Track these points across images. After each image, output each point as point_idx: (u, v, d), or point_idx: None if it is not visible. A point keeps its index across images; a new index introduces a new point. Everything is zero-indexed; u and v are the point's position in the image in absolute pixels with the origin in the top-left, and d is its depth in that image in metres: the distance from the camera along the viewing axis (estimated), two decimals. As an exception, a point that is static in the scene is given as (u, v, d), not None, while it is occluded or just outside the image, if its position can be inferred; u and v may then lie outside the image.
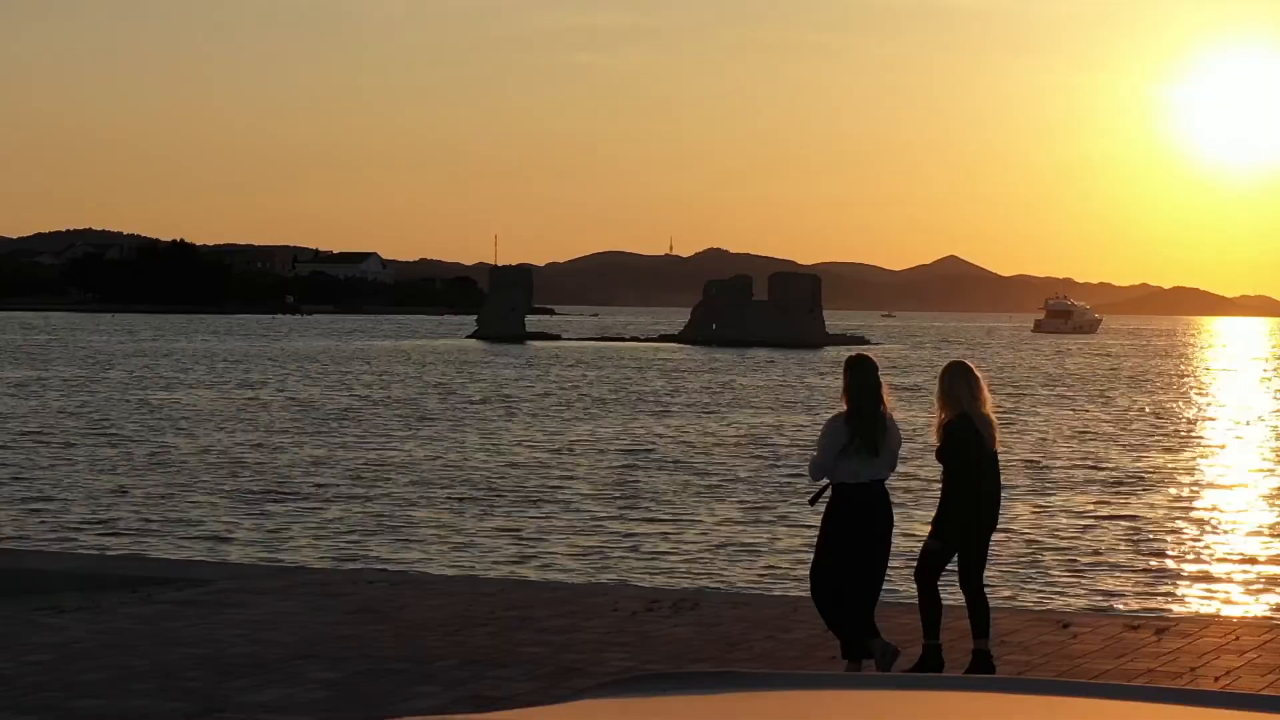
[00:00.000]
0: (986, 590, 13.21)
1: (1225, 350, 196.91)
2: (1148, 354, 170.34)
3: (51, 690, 12.07)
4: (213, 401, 67.19)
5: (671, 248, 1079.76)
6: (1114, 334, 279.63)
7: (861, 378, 12.59)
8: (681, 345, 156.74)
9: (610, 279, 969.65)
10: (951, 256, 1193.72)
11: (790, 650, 13.74)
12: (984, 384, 13.01)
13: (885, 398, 12.63)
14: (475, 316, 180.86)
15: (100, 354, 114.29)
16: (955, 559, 12.96)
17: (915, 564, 13.17)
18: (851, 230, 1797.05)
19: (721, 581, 23.67)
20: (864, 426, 12.40)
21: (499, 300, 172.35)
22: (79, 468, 40.67)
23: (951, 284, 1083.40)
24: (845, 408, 12.59)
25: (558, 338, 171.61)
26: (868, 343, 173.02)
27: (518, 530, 30.65)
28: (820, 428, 13.10)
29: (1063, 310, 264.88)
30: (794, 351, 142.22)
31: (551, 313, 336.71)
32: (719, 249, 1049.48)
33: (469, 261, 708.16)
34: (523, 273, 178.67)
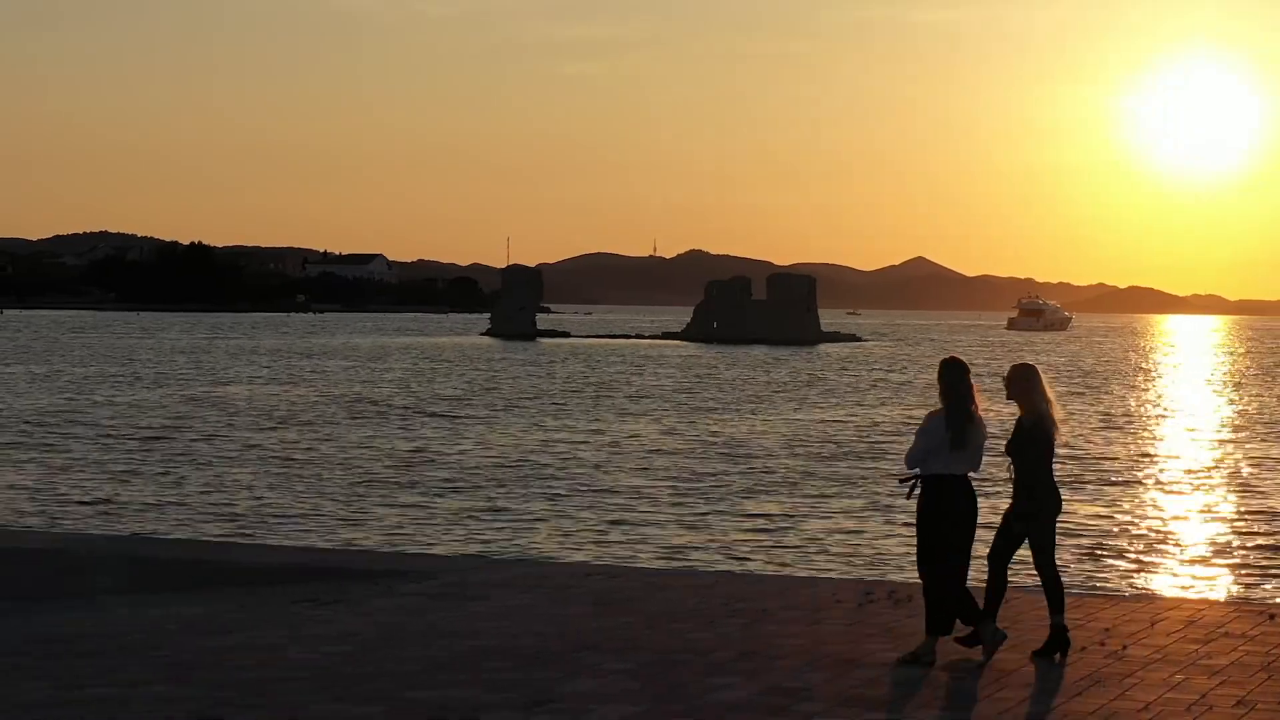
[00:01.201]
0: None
1: (1219, 348, 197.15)
2: (1143, 350, 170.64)
3: (374, 680, 11.92)
4: (304, 396, 67.19)
5: (655, 249, 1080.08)
6: (1083, 331, 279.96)
7: (955, 379, 12.85)
8: (685, 342, 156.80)
9: (598, 279, 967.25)
10: (920, 258, 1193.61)
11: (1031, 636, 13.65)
12: (1046, 381, 13.23)
13: (976, 397, 12.86)
14: (477, 315, 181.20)
15: (156, 351, 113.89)
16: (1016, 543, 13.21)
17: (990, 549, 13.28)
18: (825, 232, 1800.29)
19: (899, 571, 23.44)
20: (955, 424, 12.71)
21: (511, 299, 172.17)
22: (230, 463, 40.42)
23: (920, 284, 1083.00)
24: (941, 405, 12.86)
25: (567, 335, 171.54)
26: (860, 340, 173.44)
27: (667, 520, 30.75)
28: (917, 423, 13.31)
29: (1035, 309, 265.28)
30: (791, 348, 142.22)
31: (549, 310, 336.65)
32: (700, 250, 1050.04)
33: (464, 262, 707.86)
34: (533, 273, 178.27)
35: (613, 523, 30.24)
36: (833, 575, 22.03)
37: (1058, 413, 13.17)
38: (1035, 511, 13.01)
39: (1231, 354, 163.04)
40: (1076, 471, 40.37)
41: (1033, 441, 12.93)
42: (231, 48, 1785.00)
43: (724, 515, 31.65)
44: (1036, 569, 13.18)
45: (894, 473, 36.50)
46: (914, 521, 13.12)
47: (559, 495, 34.51)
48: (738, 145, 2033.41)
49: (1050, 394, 13.14)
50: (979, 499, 13.00)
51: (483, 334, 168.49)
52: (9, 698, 11.42)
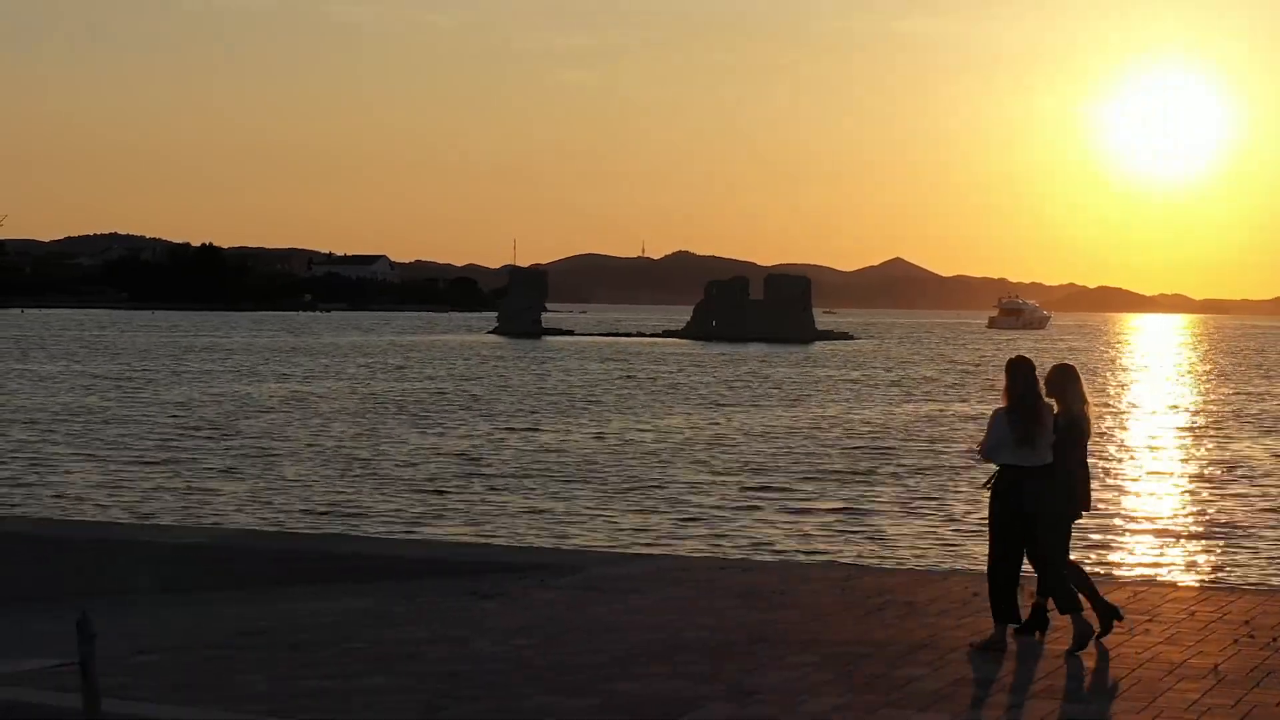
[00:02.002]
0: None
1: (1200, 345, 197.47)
2: (1120, 347, 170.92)
3: (574, 673, 11.83)
4: (357, 393, 67.09)
5: (644, 250, 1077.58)
6: (1059, 330, 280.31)
7: (1021, 377, 12.96)
8: (685, 340, 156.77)
9: (590, 279, 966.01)
10: (897, 259, 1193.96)
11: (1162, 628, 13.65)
12: (1083, 382, 13.46)
13: (1083, 394, 13.05)
14: (476, 313, 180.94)
15: (189, 349, 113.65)
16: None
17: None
18: (807, 234, 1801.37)
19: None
20: (1021, 420, 12.83)
21: (516, 299, 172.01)
22: (322, 459, 40.19)
23: (897, 284, 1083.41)
24: (1005, 403, 12.98)
25: (571, 333, 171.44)
26: (853, 339, 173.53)
27: (754, 511, 30.76)
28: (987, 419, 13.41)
29: (1015, 308, 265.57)
30: (788, 346, 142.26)
31: (544, 309, 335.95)
32: (687, 251, 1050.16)
33: (460, 262, 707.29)
34: (538, 274, 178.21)
35: (697, 516, 30.17)
36: (951, 567, 21.97)
37: (1091, 412, 13.37)
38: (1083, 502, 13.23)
39: (1203, 351, 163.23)
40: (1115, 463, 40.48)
41: (1063, 440, 13.05)
42: (239, 56, 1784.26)
43: (802, 506, 31.71)
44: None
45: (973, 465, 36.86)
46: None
47: (645, 488, 34.49)
48: (724, 150, 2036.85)
49: (1086, 394, 13.33)
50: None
51: (489, 332, 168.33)
52: (233, 689, 11.32)
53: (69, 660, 12.09)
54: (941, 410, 63.40)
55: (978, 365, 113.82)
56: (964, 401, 69.94)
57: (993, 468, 13.14)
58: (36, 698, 10.90)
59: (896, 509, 31.41)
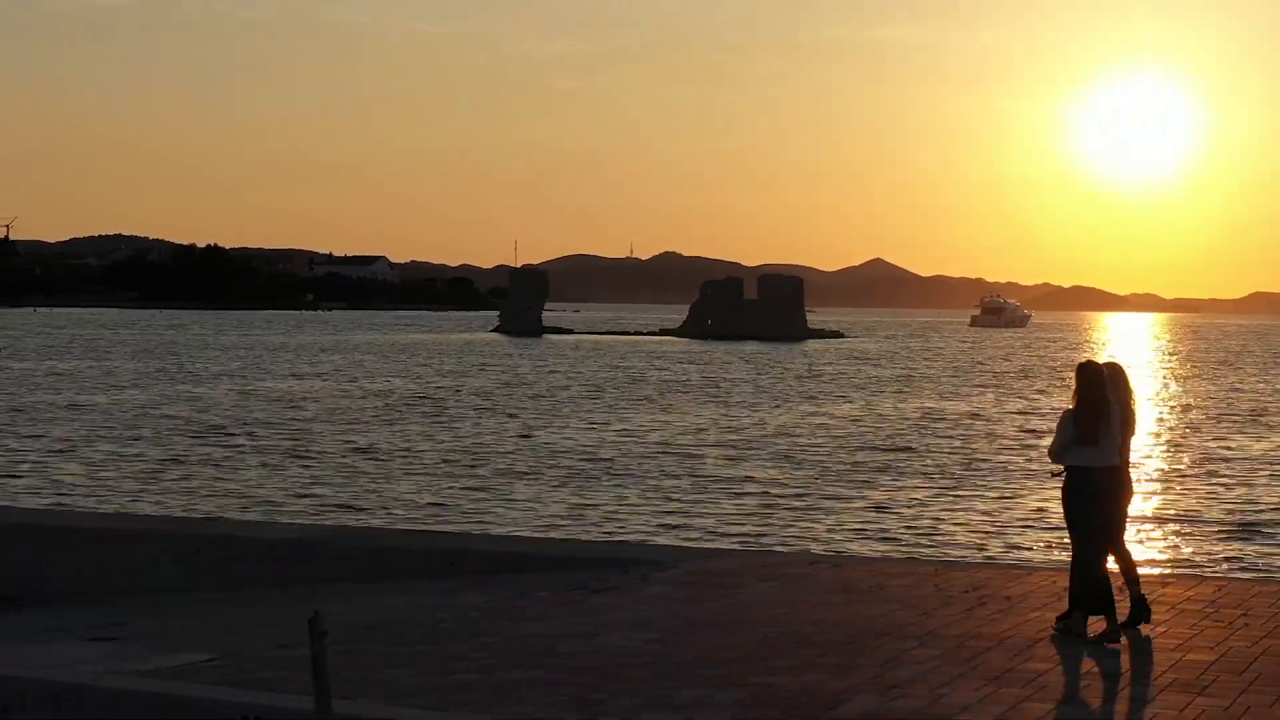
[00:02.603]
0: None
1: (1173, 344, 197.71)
2: (1094, 345, 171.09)
3: (711, 666, 11.66)
4: (396, 390, 67.03)
5: (633, 251, 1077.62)
6: (1037, 328, 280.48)
7: (1089, 381, 13.08)
8: (682, 339, 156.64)
9: (580, 279, 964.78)
10: (878, 259, 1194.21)
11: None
12: (1129, 381, 13.58)
13: (1108, 396, 13.11)
14: (473, 312, 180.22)
15: (218, 348, 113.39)
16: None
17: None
18: (790, 235, 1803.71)
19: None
20: (1087, 421, 12.94)
21: (518, 299, 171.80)
22: (386, 454, 40.10)
23: (878, 284, 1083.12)
24: (1074, 405, 13.08)
25: (571, 332, 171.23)
26: (843, 337, 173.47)
27: (823, 505, 30.70)
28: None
29: (996, 307, 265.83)
30: (781, 344, 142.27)
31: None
32: (674, 252, 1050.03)
33: (454, 263, 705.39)
34: (539, 274, 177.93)
35: (767, 510, 30.11)
36: (1028, 560, 21.92)
37: (1135, 410, 13.48)
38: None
39: (1177, 350, 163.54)
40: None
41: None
42: (240, 62, 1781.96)
43: (863, 499, 31.74)
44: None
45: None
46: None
47: (715, 484, 34.45)
48: (710, 154, 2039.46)
49: (1129, 393, 13.40)
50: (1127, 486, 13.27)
51: (491, 330, 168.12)
52: (388, 683, 11.19)
53: (215, 656, 12.06)
54: (977, 407, 63.47)
55: (957, 360, 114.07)
56: (993, 396, 70.11)
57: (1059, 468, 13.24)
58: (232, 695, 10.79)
59: (962, 503, 31.39)
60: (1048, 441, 13.77)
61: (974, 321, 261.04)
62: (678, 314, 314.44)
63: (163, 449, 41.07)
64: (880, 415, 56.51)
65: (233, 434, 45.48)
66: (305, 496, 31.68)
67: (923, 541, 26.20)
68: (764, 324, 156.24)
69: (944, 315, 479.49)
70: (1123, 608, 13.34)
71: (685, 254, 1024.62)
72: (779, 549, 23.54)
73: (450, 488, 33.04)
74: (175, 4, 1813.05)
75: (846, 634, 12.97)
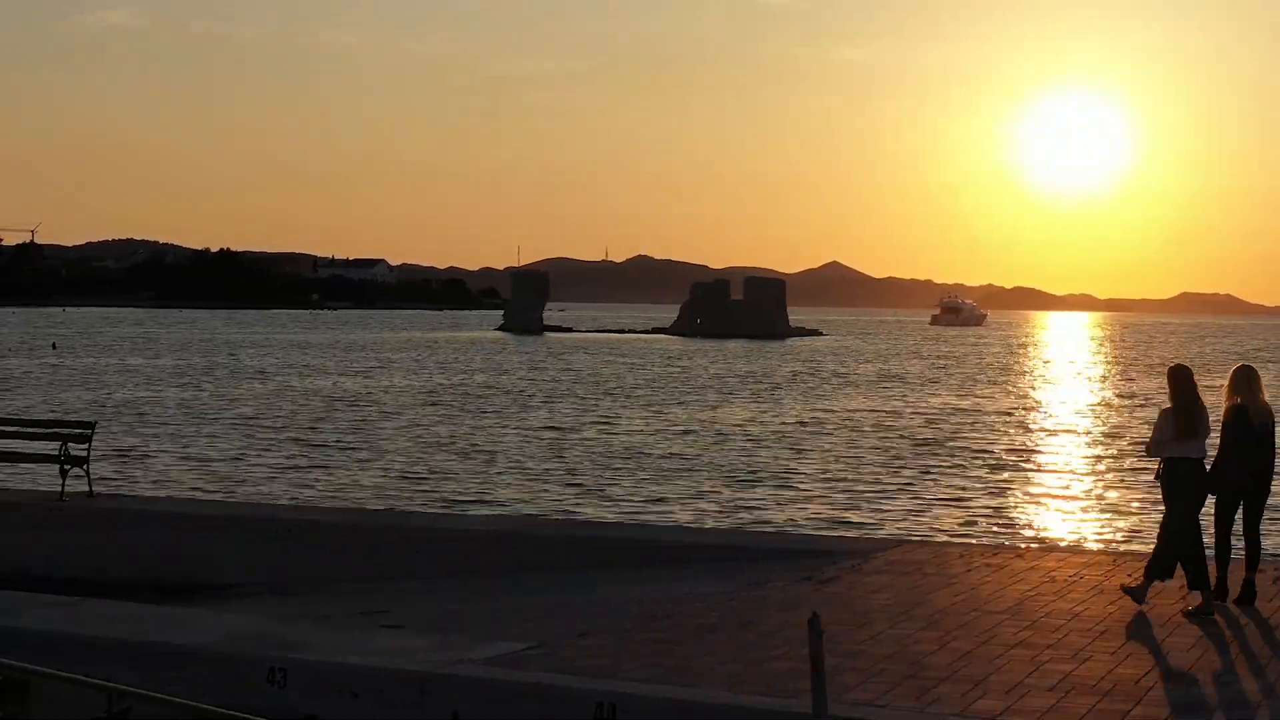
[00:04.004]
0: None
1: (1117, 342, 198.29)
2: (1044, 342, 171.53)
3: (1009, 652, 11.55)
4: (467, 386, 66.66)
5: (607, 254, 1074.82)
6: (996, 325, 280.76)
7: (1182, 382, 13.57)
8: (674, 337, 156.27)
9: (558, 280, 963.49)
10: (834, 262, 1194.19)
11: None
12: (1261, 381, 13.93)
13: (1259, 390, 13.59)
14: (468, 311, 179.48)
15: (254, 346, 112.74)
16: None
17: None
18: (754, 239, 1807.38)
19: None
20: (1183, 418, 13.40)
21: (521, 299, 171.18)
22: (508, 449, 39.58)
23: (834, 285, 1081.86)
24: (1171, 404, 13.51)
25: (571, 330, 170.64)
26: (822, 335, 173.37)
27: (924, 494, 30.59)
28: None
29: (955, 307, 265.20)
30: (766, 341, 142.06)
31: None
32: (646, 255, 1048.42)
33: (442, 265, 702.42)
34: (541, 277, 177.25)
35: (861, 497, 29.87)
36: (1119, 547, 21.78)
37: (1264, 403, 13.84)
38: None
39: (1113, 347, 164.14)
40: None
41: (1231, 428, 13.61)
42: (247, 80, 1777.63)
43: (963, 489, 31.68)
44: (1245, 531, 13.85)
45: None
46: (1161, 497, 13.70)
47: (803, 472, 34.30)
48: (678, 163, 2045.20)
49: (1232, 392, 13.73)
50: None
51: (496, 329, 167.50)
52: (712, 669, 10.96)
53: (532, 645, 11.87)
54: (1012, 402, 63.47)
55: (926, 358, 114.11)
56: (1019, 390, 70.13)
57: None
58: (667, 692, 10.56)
59: (1042, 491, 31.33)
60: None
61: (934, 320, 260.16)
62: (654, 312, 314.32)
63: (303, 443, 39.91)
64: (940, 409, 56.51)
65: (381, 427, 44.54)
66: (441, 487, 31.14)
67: (1022, 530, 26.12)
68: (750, 323, 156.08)
69: (900, 314, 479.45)
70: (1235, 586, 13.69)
71: (657, 257, 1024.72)
72: (936, 539, 23.27)
73: (583, 479, 32.31)
74: (185, 26, 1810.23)
75: (1096, 622, 12.84)
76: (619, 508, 27.81)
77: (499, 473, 33.46)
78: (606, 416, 50.70)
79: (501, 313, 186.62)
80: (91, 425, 19.21)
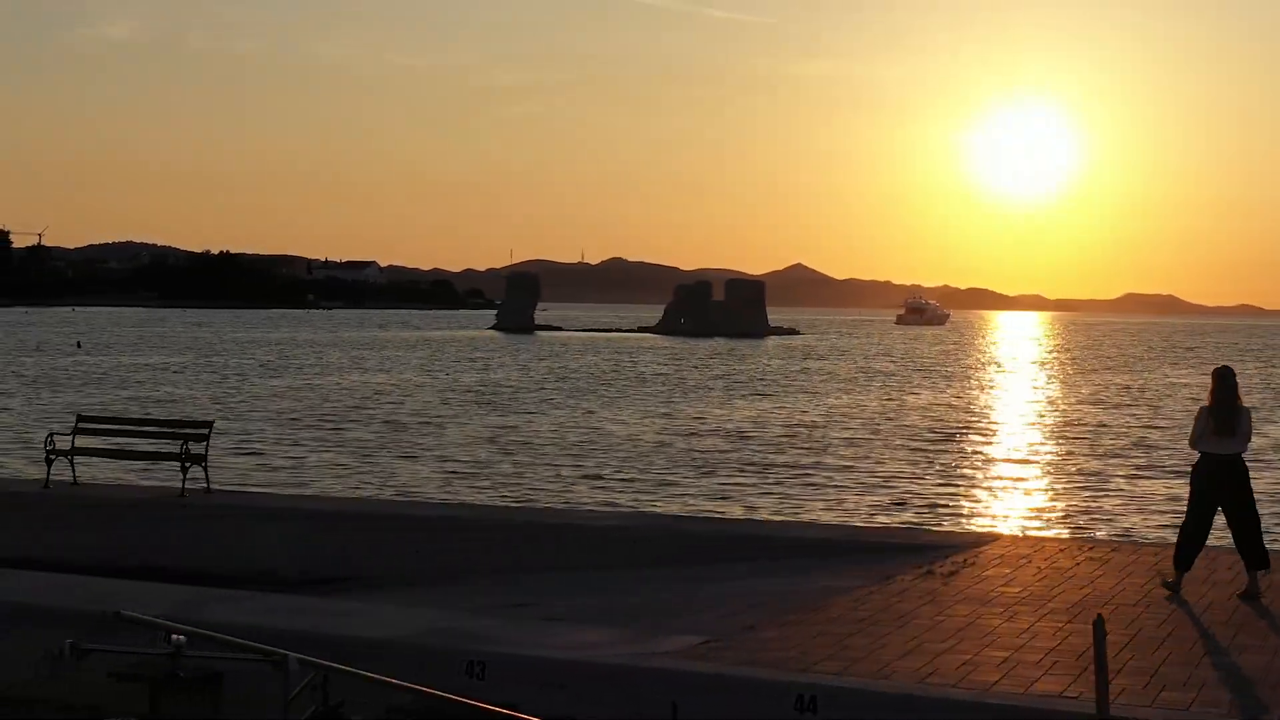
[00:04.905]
0: None
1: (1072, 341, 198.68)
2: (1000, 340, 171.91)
3: (1179, 645, 11.43)
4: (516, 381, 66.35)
5: (583, 256, 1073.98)
6: (958, 325, 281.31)
7: (1223, 382, 13.72)
8: (659, 336, 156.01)
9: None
10: (799, 264, 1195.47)
11: None
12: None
13: (1239, 395, 13.76)
14: (456, 311, 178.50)
15: (273, 344, 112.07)
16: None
17: None
18: (723, 242, 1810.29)
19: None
20: (1219, 416, 13.60)
21: (514, 299, 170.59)
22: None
23: (799, 286, 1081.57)
24: (1209, 402, 13.68)
25: (560, 330, 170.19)
26: (799, 334, 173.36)
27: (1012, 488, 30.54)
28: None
29: (919, 307, 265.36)
30: (746, 340, 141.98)
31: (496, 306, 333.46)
32: (620, 257, 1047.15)
33: (426, 266, 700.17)
34: (532, 279, 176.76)
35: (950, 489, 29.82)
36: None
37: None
38: None
39: (1063, 346, 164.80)
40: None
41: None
42: (241, 91, 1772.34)
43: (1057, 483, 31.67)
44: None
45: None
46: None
47: (873, 465, 34.21)
48: (650, 170, 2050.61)
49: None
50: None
51: (489, 328, 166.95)
52: (892, 662, 10.80)
53: (708, 637, 11.74)
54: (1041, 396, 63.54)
55: (890, 357, 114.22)
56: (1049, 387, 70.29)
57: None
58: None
59: (1102, 486, 31.37)
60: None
61: (899, 320, 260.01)
62: (631, 311, 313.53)
63: (376, 440, 39.23)
64: (986, 402, 56.81)
65: (439, 424, 44.06)
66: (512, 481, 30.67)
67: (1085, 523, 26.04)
68: (731, 323, 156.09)
69: (864, 314, 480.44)
70: None
71: (630, 259, 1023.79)
72: (1031, 532, 23.12)
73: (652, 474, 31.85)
74: (182, 39, 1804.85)
75: (1236, 614, 12.77)
76: (685, 503, 27.54)
77: (592, 469, 32.92)
78: (671, 412, 50.34)
79: (489, 312, 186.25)
80: (209, 425, 19.03)
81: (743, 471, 32.78)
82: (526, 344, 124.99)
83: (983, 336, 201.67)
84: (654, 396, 59.48)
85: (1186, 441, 14.44)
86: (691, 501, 27.73)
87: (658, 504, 27.10)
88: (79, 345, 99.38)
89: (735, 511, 26.18)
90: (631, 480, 31.06)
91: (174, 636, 7.32)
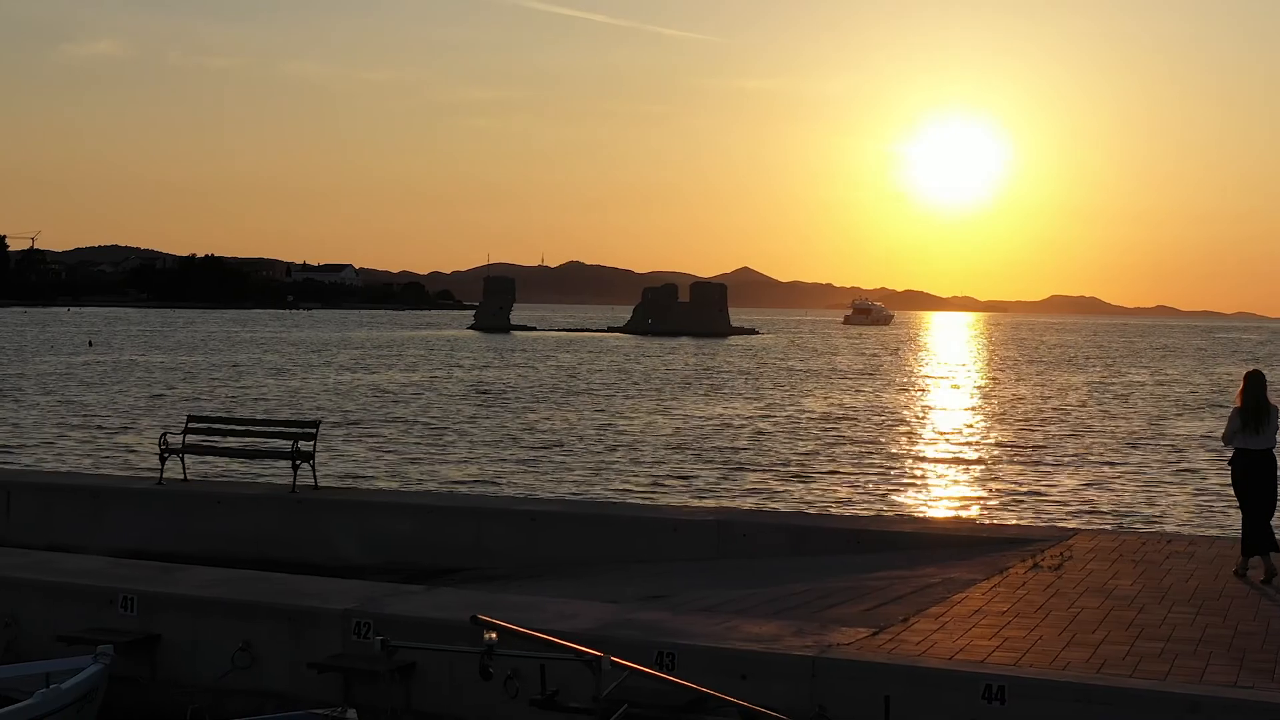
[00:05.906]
0: None
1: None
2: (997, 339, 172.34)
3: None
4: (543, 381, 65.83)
5: (543, 260, 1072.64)
6: (901, 325, 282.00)
7: (1253, 383, 13.91)
8: (627, 335, 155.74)
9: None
10: (745, 267, 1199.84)
11: None
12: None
13: (1268, 395, 13.93)
14: (427, 312, 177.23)
15: (284, 345, 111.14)
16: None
17: None
18: (673, 246, 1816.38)
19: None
20: (1250, 414, 13.81)
21: (491, 301, 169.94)
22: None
23: (746, 287, 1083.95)
24: (1238, 403, 13.89)
25: (534, 329, 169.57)
26: (757, 333, 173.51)
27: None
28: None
29: (865, 308, 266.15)
30: (710, 339, 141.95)
31: (464, 306, 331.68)
32: (578, 261, 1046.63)
33: (395, 269, 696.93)
34: (508, 282, 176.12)
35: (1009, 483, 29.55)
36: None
37: None
38: None
39: (994, 343, 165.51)
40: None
41: None
42: (220, 105, 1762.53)
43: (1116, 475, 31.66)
44: None
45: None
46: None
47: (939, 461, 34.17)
48: (606, 179, 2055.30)
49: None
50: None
51: (468, 328, 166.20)
52: (1058, 653, 10.74)
53: (873, 629, 11.65)
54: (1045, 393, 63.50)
55: (842, 355, 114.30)
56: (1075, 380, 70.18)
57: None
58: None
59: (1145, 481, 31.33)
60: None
61: (847, 320, 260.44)
62: (591, 312, 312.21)
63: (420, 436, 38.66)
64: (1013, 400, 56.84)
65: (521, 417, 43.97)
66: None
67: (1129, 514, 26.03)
68: (696, 323, 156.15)
69: (809, 314, 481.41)
70: None
71: (588, 262, 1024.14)
72: (1106, 527, 23.03)
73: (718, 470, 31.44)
74: (165, 57, 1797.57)
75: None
76: (737, 496, 27.32)
77: (680, 463, 32.50)
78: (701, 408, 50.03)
79: (459, 312, 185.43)
80: (317, 424, 18.82)
81: (784, 465, 32.45)
82: (514, 343, 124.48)
83: (927, 335, 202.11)
84: (718, 393, 59.07)
85: (1220, 437, 14.82)
86: (768, 497, 27.40)
87: (742, 500, 26.83)
88: (90, 344, 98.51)
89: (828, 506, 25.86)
90: (723, 477, 30.54)
91: (487, 635, 7.22)
